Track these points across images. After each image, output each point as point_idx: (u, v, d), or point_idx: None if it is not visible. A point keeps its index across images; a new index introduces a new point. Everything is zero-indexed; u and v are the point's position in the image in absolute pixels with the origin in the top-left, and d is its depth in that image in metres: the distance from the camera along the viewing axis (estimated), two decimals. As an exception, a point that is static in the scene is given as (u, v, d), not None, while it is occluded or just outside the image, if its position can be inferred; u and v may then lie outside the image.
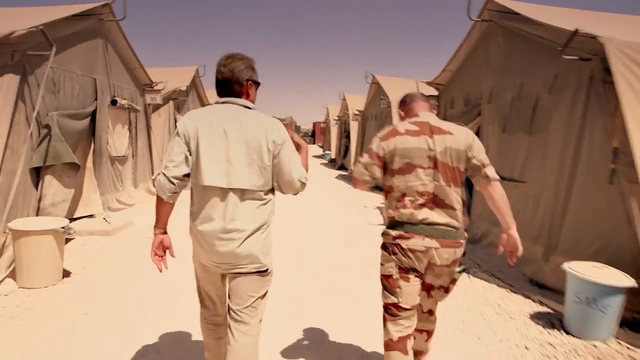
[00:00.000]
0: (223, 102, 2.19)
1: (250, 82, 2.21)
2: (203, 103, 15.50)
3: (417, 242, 2.31)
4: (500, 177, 2.64)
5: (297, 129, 50.71)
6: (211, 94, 17.84)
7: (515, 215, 2.56)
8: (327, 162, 23.88)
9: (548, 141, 4.74)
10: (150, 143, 9.72)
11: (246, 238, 2.11)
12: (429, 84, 8.37)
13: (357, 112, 16.29)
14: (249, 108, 2.20)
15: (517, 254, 2.50)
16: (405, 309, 2.39)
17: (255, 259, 2.15)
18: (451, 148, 2.35)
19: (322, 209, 9.20)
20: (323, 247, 6.05)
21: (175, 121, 12.11)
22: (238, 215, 2.10)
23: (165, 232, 2.28)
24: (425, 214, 2.33)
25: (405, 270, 2.37)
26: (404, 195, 2.37)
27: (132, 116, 8.67)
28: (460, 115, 7.11)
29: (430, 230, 2.32)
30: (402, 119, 2.62)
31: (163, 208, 2.22)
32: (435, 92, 8.38)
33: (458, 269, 2.46)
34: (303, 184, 2.21)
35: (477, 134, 6.58)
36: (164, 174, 2.12)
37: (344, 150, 20.09)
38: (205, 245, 2.16)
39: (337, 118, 22.36)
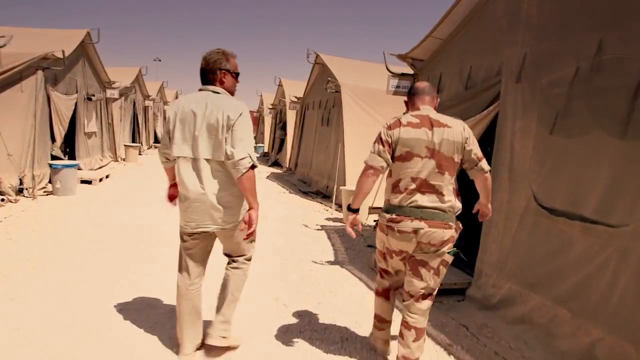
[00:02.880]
0: (200, 90, 2.71)
1: (223, 71, 2.69)
2: (99, 77, 12.17)
3: (406, 225, 2.59)
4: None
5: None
6: (116, 71, 14.45)
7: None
8: (258, 155, 21.09)
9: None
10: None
11: (214, 200, 2.60)
12: (401, 57, 5.90)
13: (295, 100, 13.67)
14: (218, 93, 2.67)
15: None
16: (390, 273, 2.93)
17: (221, 220, 2.64)
18: (448, 140, 2.58)
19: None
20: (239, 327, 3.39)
21: (49, 97, 8.84)
22: (204, 180, 2.61)
23: (173, 185, 3.00)
24: (416, 197, 2.59)
25: (391, 251, 2.75)
26: (400, 180, 2.63)
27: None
28: (455, 102, 4.70)
29: (418, 212, 2.58)
30: (406, 107, 2.88)
31: (166, 171, 3.03)
32: (410, 71, 5.95)
33: (448, 251, 2.63)
34: (240, 161, 2.49)
35: (490, 130, 4.20)
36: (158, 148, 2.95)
37: (279, 144, 17.42)
38: (182, 206, 2.72)
39: (271, 106, 19.58)
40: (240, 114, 2.55)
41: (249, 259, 2.93)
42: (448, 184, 2.60)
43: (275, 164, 16.98)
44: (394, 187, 2.65)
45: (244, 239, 2.72)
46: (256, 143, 24.54)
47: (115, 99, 13.53)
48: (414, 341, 2.70)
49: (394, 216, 2.62)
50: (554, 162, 3.32)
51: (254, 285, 4.24)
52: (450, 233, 2.61)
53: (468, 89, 4.58)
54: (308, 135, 12.12)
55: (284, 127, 16.30)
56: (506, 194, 3.77)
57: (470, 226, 3.73)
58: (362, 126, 8.39)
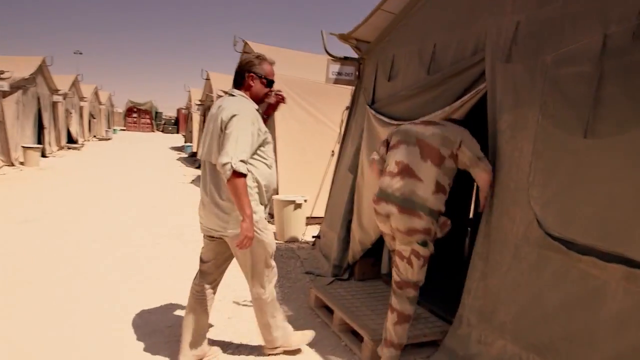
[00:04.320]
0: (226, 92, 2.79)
1: (251, 74, 2.67)
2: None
3: (382, 208, 2.73)
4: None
5: (159, 116, 44.58)
6: (12, 60, 12.33)
7: None
8: (187, 156, 19.39)
9: None
10: None
11: (214, 205, 2.56)
12: (342, 38, 4.79)
13: (222, 94, 12.25)
14: (234, 96, 2.65)
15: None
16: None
17: (219, 226, 2.57)
18: (440, 134, 2.69)
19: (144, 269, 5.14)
20: None
21: None
22: (209, 184, 2.58)
23: None
24: (394, 182, 2.70)
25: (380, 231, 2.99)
26: (387, 165, 2.83)
27: None
28: (416, 92, 3.63)
29: (392, 197, 2.67)
30: None
31: None
32: (355, 54, 4.86)
33: (418, 242, 2.63)
34: (223, 167, 2.34)
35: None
36: None
37: (208, 143, 15.85)
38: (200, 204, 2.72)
39: (200, 102, 17.96)
40: (233, 116, 2.46)
41: (261, 286, 2.77)
42: (431, 174, 2.64)
43: (204, 165, 15.42)
44: (383, 172, 2.86)
45: (236, 246, 2.52)
46: (186, 142, 22.78)
47: (7, 93, 11.46)
48: (394, 324, 2.76)
49: (376, 198, 2.79)
50: (568, 173, 2.32)
51: (145, 345, 2.95)
52: (419, 223, 2.60)
53: (432, 74, 3.54)
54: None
55: (212, 125, 14.81)
56: (494, 215, 2.75)
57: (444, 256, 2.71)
58: (297, 123, 7.23)
